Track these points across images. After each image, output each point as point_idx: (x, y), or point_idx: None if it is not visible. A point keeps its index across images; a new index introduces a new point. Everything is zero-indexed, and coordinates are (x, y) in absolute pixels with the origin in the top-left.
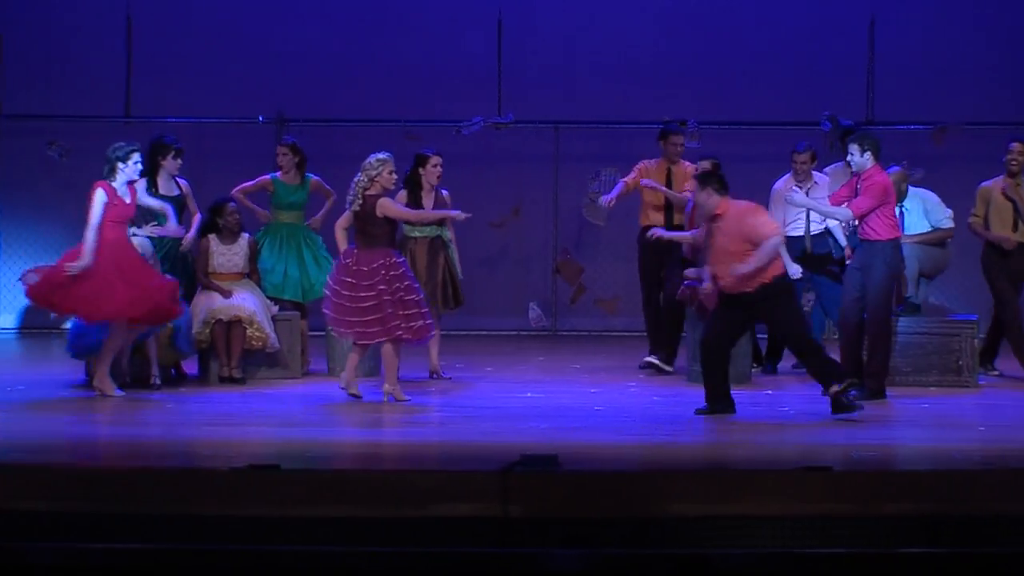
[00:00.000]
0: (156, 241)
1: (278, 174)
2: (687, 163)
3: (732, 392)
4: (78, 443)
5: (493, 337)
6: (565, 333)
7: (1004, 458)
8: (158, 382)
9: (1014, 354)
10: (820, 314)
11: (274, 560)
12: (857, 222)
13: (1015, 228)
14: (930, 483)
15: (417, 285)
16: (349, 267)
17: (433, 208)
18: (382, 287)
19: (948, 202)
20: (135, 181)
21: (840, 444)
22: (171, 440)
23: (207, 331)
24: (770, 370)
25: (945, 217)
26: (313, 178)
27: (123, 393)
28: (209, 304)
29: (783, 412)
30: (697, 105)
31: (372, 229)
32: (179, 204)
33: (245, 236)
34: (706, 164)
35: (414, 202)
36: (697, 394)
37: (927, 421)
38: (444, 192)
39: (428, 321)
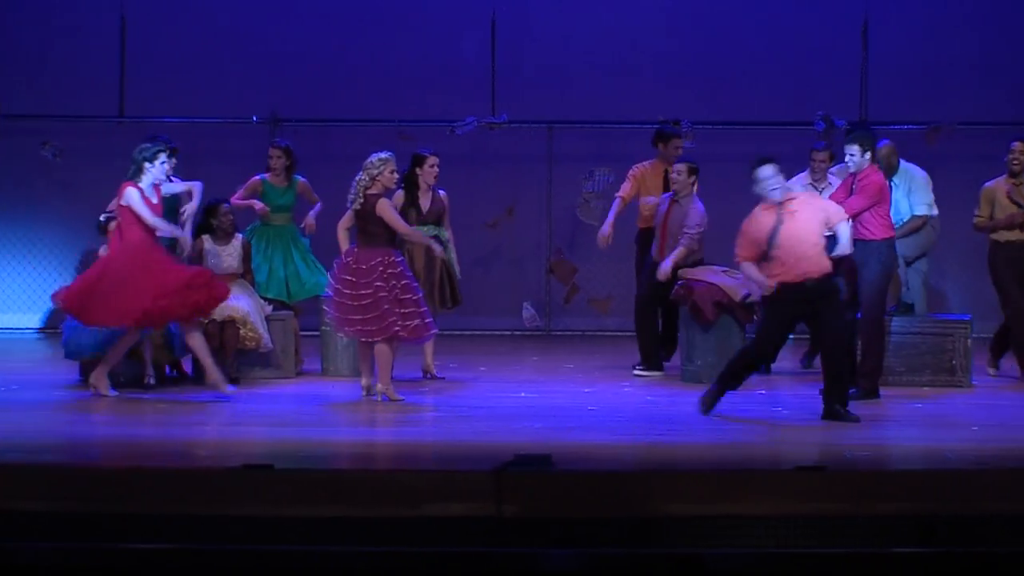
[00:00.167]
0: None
1: (266, 176)
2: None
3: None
4: (72, 443)
5: (487, 337)
6: (559, 333)
7: (997, 458)
8: (152, 382)
9: (1014, 354)
10: None
11: (268, 560)
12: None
13: (1021, 228)
14: (923, 483)
15: (416, 285)
16: (349, 265)
17: (430, 207)
18: (379, 284)
19: (942, 202)
20: (160, 183)
21: (834, 444)
22: (165, 440)
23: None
24: (764, 371)
25: (923, 203)
26: (300, 180)
27: (116, 393)
28: None
29: (777, 412)
30: (691, 105)
31: (372, 228)
32: (174, 204)
33: (239, 237)
34: (682, 167)
35: (411, 202)
36: (691, 393)
37: (920, 421)
38: (441, 193)
39: (426, 321)
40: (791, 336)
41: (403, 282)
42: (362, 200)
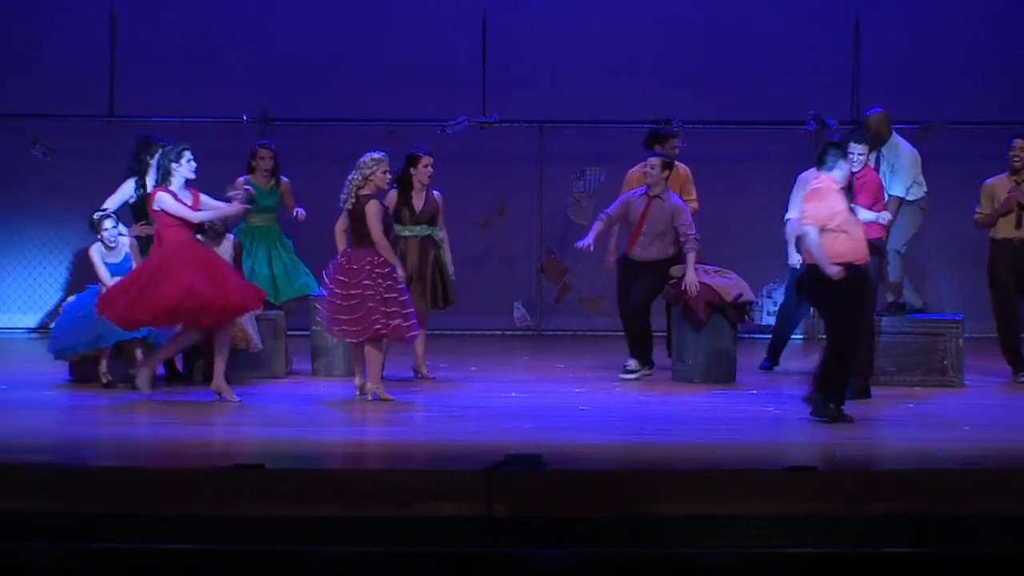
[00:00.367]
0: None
1: (249, 177)
2: (681, 165)
3: (716, 393)
4: (63, 443)
5: (478, 337)
6: (550, 333)
7: (989, 458)
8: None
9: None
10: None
11: (259, 560)
12: None
13: (1018, 226)
14: (915, 483)
15: (402, 286)
16: (342, 266)
17: (424, 207)
18: (367, 283)
19: (935, 200)
20: (256, 187)
21: (825, 444)
22: (156, 440)
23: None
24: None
25: (900, 184)
26: (284, 180)
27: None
28: None
29: (768, 412)
30: (681, 104)
31: (364, 229)
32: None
33: (230, 237)
34: (655, 162)
35: (404, 201)
36: (681, 393)
37: (912, 421)
38: (435, 193)
39: (409, 322)
40: (800, 335)
41: (388, 282)
42: (354, 200)
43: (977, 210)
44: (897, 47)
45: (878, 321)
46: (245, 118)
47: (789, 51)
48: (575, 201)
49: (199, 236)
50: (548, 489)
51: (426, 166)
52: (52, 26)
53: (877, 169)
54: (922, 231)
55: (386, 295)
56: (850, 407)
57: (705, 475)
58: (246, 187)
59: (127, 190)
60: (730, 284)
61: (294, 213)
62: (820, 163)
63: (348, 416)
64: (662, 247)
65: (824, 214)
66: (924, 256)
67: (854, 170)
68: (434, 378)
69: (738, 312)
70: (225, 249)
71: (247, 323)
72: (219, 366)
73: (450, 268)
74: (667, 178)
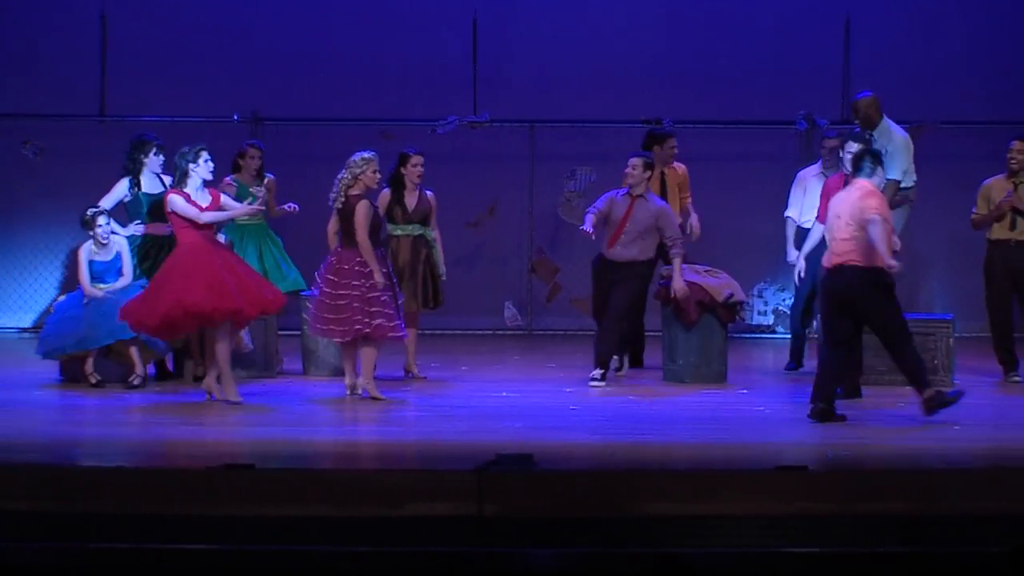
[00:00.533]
0: (141, 239)
1: (234, 176)
2: (679, 164)
3: (707, 393)
4: (53, 443)
5: (469, 336)
6: (540, 332)
7: (979, 457)
8: (137, 382)
9: (994, 350)
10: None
11: (250, 560)
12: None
13: (1012, 227)
14: (905, 482)
15: (389, 288)
16: (333, 265)
17: (416, 207)
18: (356, 283)
19: (926, 200)
20: (211, 182)
21: (815, 444)
22: (146, 440)
23: None
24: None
25: (897, 168)
26: (270, 177)
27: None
28: None
29: (759, 412)
30: (672, 104)
31: (353, 228)
32: (162, 202)
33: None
34: (637, 162)
35: (397, 201)
36: (672, 393)
37: (902, 421)
38: (428, 193)
39: (393, 323)
40: (814, 334)
41: (372, 282)
42: (343, 199)
43: (974, 211)
44: (888, 47)
45: None
46: (236, 118)
47: (780, 51)
48: (566, 201)
49: None
50: (539, 489)
51: (415, 165)
52: (43, 26)
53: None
54: (911, 228)
55: (369, 295)
56: (841, 406)
57: (696, 475)
58: (259, 189)
59: (121, 189)
60: (721, 284)
61: (286, 207)
62: (857, 169)
63: (339, 416)
64: (643, 247)
65: (887, 212)
66: (915, 255)
67: (850, 169)
68: (425, 378)
69: (729, 312)
70: None
71: None
72: (214, 366)
73: (442, 268)
74: (649, 178)
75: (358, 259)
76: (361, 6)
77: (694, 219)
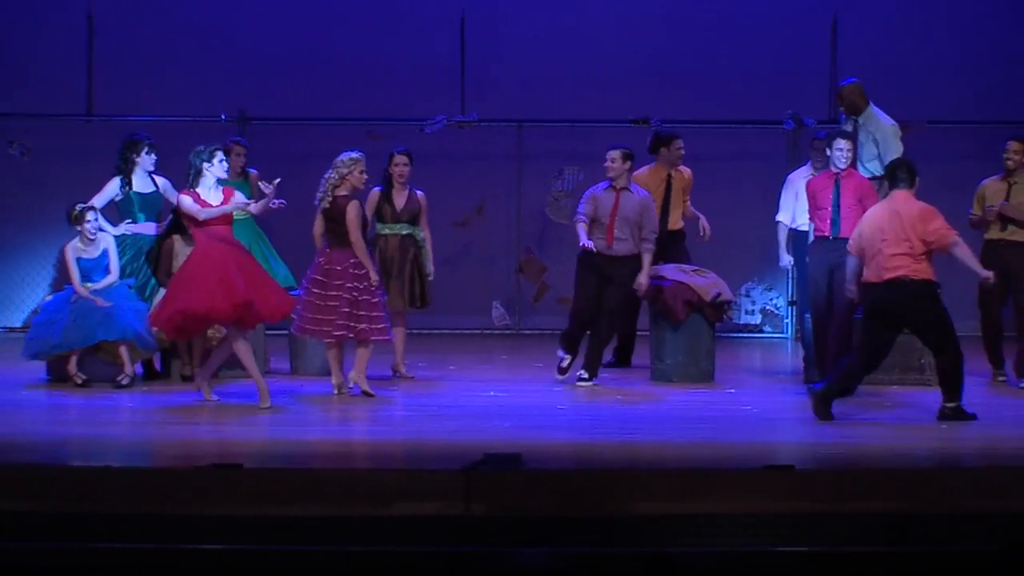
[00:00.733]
0: (131, 239)
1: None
2: (685, 168)
3: (695, 392)
4: (41, 442)
5: (456, 336)
6: (528, 332)
7: (967, 456)
8: (126, 382)
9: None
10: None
11: (237, 559)
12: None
13: (1003, 228)
14: (893, 481)
15: (376, 289)
16: (321, 266)
17: (405, 206)
18: (349, 286)
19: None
20: (225, 181)
21: (803, 443)
22: (134, 440)
23: None
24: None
25: (896, 155)
26: (252, 172)
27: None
28: None
29: (746, 411)
30: (660, 104)
31: (342, 228)
32: (155, 201)
33: None
34: (616, 154)
35: (386, 200)
36: (660, 392)
37: (890, 419)
38: (419, 193)
39: (378, 326)
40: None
41: (362, 284)
42: (331, 199)
43: (971, 211)
44: (875, 47)
45: (856, 320)
46: (223, 117)
47: (767, 50)
48: (553, 200)
49: (180, 236)
50: (527, 488)
51: (398, 164)
52: (29, 26)
53: (855, 139)
54: None
55: (359, 298)
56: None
57: (684, 474)
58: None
59: (112, 188)
60: (708, 283)
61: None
62: (895, 181)
63: (326, 415)
64: (635, 240)
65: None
66: None
67: (840, 167)
68: (413, 377)
69: (716, 311)
70: None
71: None
72: (209, 368)
73: (430, 268)
74: (629, 169)
75: (352, 260)
76: (349, 6)
77: (704, 221)
